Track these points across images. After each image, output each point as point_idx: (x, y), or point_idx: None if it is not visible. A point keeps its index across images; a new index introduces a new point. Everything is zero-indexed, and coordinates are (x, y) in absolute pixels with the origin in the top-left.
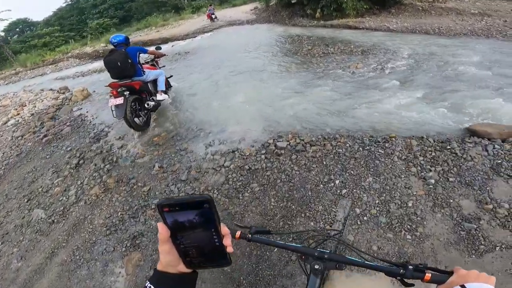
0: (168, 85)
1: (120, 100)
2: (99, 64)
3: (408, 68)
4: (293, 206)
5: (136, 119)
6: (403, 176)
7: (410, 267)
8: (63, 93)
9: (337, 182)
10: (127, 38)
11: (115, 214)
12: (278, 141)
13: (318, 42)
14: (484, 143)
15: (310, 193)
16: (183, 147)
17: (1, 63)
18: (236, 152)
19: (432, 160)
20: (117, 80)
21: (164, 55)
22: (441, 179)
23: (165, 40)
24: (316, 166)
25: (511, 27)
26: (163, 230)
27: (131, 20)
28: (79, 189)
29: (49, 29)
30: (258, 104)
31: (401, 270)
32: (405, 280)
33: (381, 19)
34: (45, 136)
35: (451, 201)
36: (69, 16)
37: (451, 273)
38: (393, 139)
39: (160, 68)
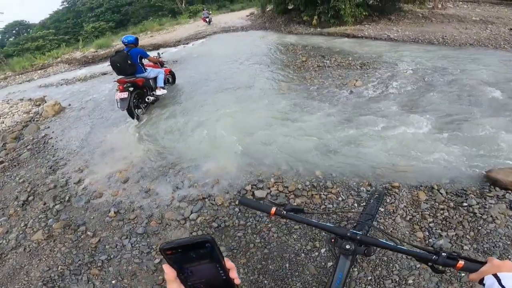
0: (173, 80)
1: (125, 95)
2: (86, 71)
3: (413, 87)
4: (266, 281)
5: (136, 110)
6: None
7: (444, 254)
8: (38, 105)
9: (322, 251)
10: (136, 39)
11: (54, 267)
12: (257, 188)
13: (313, 52)
14: (509, 198)
15: (288, 264)
16: (147, 187)
17: None
18: (206, 200)
19: (444, 222)
20: (123, 77)
21: (164, 62)
22: (454, 247)
23: (157, 47)
24: (299, 228)
25: None
26: (169, 271)
27: (128, 24)
28: (21, 232)
29: (43, 32)
30: (240, 134)
31: (434, 257)
32: (436, 267)
33: (381, 26)
34: (1, 162)
35: (463, 274)
36: (65, 19)
37: (484, 263)
38: (397, 189)
39: (163, 65)
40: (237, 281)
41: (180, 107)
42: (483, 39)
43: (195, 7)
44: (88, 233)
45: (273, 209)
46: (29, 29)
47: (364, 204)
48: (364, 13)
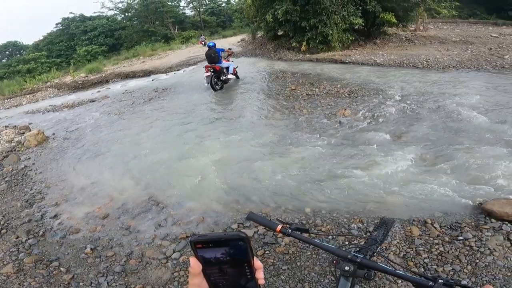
0: (236, 75)
1: (208, 74)
2: (75, 97)
3: (401, 115)
4: None
5: (215, 86)
6: (400, 281)
7: (440, 281)
8: (22, 133)
9: None
10: (215, 44)
11: None
12: (244, 227)
13: (302, 80)
14: (506, 230)
15: None
16: (128, 224)
17: None
18: (189, 238)
19: (440, 257)
20: (210, 64)
21: (232, 52)
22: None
23: (148, 73)
24: (287, 268)
25: (498, 55)
26: (195, 264)
27: (120, 48)
28: None
29: (35, 54)
30: (226, 168)
31: (430, 283)
32: None
33: (367, 51)
34: None
35: None
36: (59, 41)
37: None
38: None
39: (231, 61)
40: (261, 281)
41: (164, 137)
42: (465, 61)
43: (187, 33)
44: (62, 269)
45: (279, 227)
46: (22, 51)
47: (372, 230)
48: (350, 38)
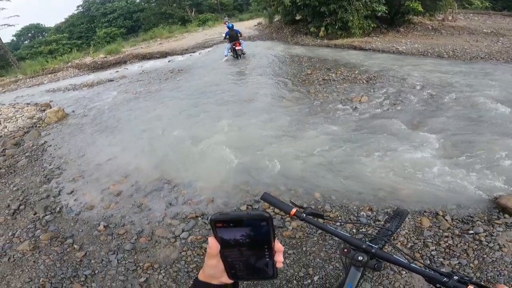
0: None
1: (239, 46)
2: (94, 77)
3: (421, 104)
4: None
5: (238, 56)
6: (404, 272)
7: (455, 277)
8: (43, 110)
9: (315, 278)
10: (233, 26)
11: (36, 279)
12: (252, 209)
13: (319, 65)
14: None
15: None
16: (140, 202)
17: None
18: (199, 218)
19: (447, 250)
20: (233, 41)
21: (242, 36)
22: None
23: (164, 55)
24: (293, 253)
25: None
26: (213, 244)
27: (139, 30)
28: (8, 241)
29: (57, 36)
30: (237, 150)
31: (444, 279)
32: None
33: (389, 39)
34: None
35: None
36: (80, 23)
37: None
38: None
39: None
40: (279, 264)
41: (178, 119)
42: (494, 53)
43: (204, 16)
44: (75, 246)
45: (294, 210)
46: (44, 33)
47: (385, 219)
48: (372, 25)
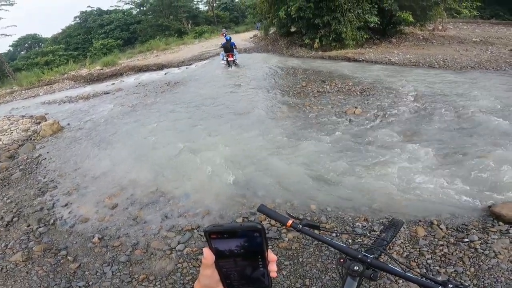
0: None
1: (231, 58)
2: (90, 89)
3: (413, 115)
4: None
5: (230, 65)
6: (401, 281)
7: (450, 285)
8: (38, 123)
9: None
10: (231, 38)
11: None
12: (248, 221)
13: (314, 77)
14: None
15: None
16: (135, 214)
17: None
18: (195, 230)
19: (443, 259)
20: (226, 52)
21: (237, 48)
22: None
23: (161, 67)
24: (289, 264)
25: None
26: (208, 255)
27: (135, 42)
28: (0, 252)
29: (53, 47)
30: (233, 162)
31: (440, 287)
32: None
33: (382, 50)
34: None
35: None
36: (76, 34)
37: None
38: None
39: (236, 50)
40: (273, 274)
41: (174, 132)
42: (484, 62)
43: (200, 28)
44: (69, 257)
45: (290, 221)
46: (41, 43)
47: (381, 229)
48: (365, 36)
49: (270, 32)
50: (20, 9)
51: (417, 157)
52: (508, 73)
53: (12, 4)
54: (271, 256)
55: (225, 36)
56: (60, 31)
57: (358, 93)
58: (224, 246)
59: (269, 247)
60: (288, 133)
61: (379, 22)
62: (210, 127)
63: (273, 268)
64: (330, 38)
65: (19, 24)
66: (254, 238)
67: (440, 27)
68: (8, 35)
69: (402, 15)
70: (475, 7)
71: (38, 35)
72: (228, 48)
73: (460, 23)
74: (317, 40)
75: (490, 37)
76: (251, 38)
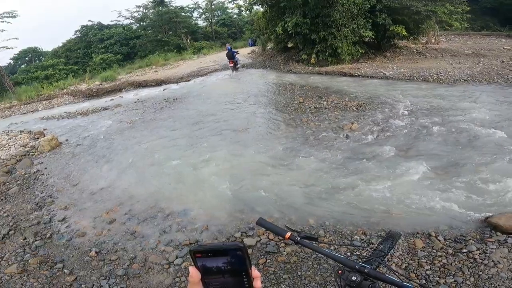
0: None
1: (232, 64)
2: (89, 104)
3: (409, 129)
4: None
5: (234, 69)
6: None
7: None
8: (37, 138)
9: None
10: (231, 48)
11: None
12: (247, 236)
13: (311, 93)
14: (511, 242)
15: None
16: (133, 229)
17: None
18: (193, 245)
19: (442, 269)
20: (229, 59)
21: (238, 52)
22: None
23: (159, 83)
24: (288, 277)
25: (510, 68)
26: (194, 273)
27: (135, 57)
28: None
29: (54, 61)
30: (232, 179)
31: None
32: None
33: (377, 64)
34: None
35: None
36: (77, 48)
37: None
38: None
39: (237, 54)
40: None
41: (172, 149)
42: (477, 74)
43: (199, 43)
44: (65, 270)
45: (288, 234)
46: (41, 57)
47: (379, 242)
48: (360, 51)
49: (268, 47)
50: (21, 22)
51: (412, 171)
52: (500, 85)
53: (14, 17)
54: (255, 273)
55: (227, 47)
56: (61, 44)
57: (355, 109)
58: (209, 264)
59: (267, 260)
60: (286, 149)
61: (373, 37)
62: (209, 144)
63: (257, 285)
64: (327, 53)
65: (20, 37)
66: (237, 256)
67: (433, 40)
68: (9, 48)
69: (396, 29)
70: (465, 19)
71: (39, 48)
72: (229, 55)
73: (452, 36)
74: (313, 56)
75: (481, 49)
76: (249, 54)
